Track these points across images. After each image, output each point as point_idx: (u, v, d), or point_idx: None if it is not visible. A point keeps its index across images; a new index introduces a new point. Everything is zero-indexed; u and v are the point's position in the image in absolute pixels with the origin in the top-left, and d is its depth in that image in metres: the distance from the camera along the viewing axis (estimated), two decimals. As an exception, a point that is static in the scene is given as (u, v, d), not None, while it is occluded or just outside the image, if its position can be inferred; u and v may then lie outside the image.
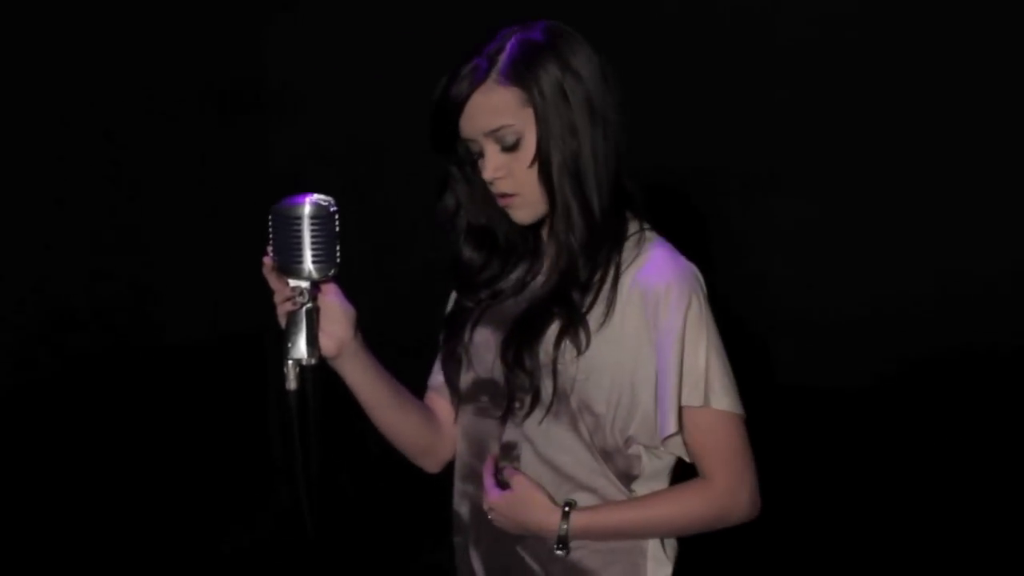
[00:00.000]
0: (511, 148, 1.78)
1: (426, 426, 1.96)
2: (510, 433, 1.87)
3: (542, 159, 1.77)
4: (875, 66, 5.73)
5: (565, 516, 1.78)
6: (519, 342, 1.82)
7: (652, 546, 1.84)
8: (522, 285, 1.91)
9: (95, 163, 6.22)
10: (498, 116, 1.76)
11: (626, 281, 1.78)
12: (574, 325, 1.78)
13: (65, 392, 5.82)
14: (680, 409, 1.77)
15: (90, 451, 5.10)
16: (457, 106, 1.78)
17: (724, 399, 1.78)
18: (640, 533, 1.81)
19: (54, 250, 6.08)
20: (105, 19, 6.24)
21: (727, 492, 1.79)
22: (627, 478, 1.83)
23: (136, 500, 4.64)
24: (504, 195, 1.82)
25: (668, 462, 1.86)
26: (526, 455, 1.85)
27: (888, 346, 5.71)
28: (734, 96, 5.94)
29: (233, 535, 4.27)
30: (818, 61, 5.83)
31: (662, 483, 1.86)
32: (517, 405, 1.83)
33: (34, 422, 5.52)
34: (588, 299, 1.79)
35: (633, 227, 1.85)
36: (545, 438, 1.83)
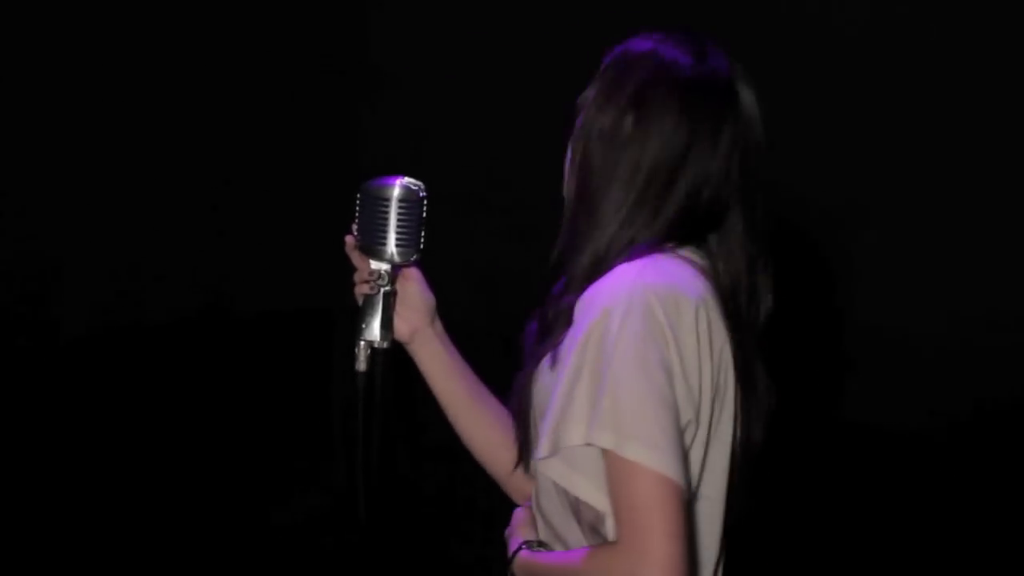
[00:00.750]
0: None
1: (502, 434, 1.78)
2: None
3: (575, 168, 1.63)
4: (954, 94, 5.66)
5: (518, 550, 1.64)
6: (517, 389, 1.67)
7: None
8: None
9: (186, 138, 6.31)
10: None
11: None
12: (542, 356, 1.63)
13: (137, 357, 5.91)
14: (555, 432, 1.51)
15: (157, 416, 5.17)
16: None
17: (628, 444, 1.43)
18: None
19: (143, 222, 6.18)
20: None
21: (623, 555, 1.43)
22: (595, 534, 1.56)
23: (196, 469, 4.68)
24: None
25: None
26: (533, 496, 1.70)
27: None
28: (818, 124, 5.89)
29: (288, 509, 4.29)
30: (899, 88, 5.77)
31: None
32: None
33: (110, 380, 5.60)
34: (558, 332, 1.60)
35: (663, 247, 1.59)
36: (538, 481, 1.67)
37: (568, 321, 1.57)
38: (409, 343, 1.82)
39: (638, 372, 1.45)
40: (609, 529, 1.53)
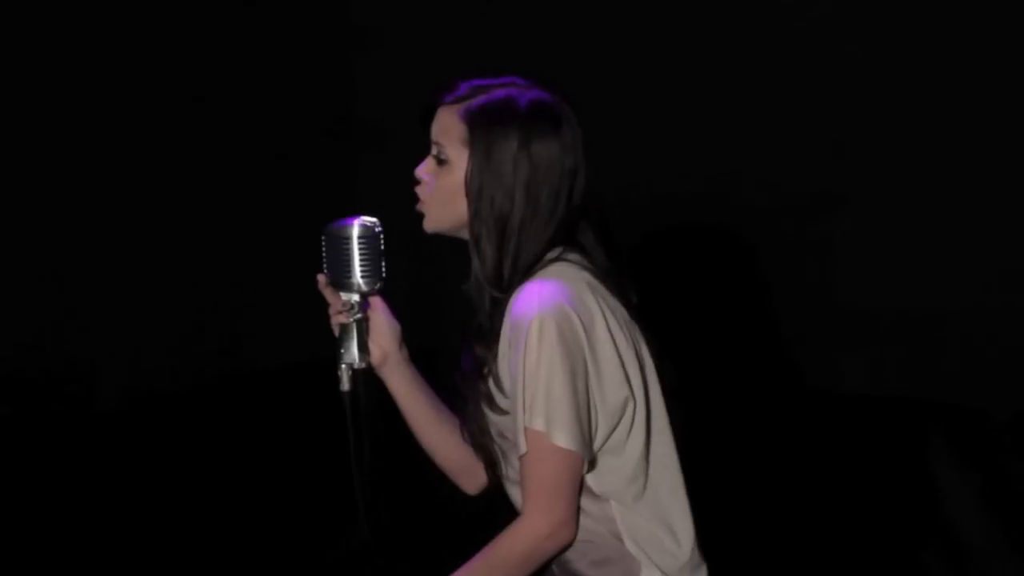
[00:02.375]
0: (440, 163, 1.97)
1: (464, 449, 2.08)
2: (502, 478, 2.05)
3: (472, 203, 1.92)
4: (935, 83, 5.80)
5: None
6: (465, 420, 2.02)
7: (638, 554, 1.91)
8: None
9: (187, 191, 6.48)
10: (442, 134, 1.96)
11: (506, 321, 1.88)
12: (484, 389, 1.94)
13: (168, 421, 6.05)
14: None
15: (193, 476, 5.29)
16: (433, 105, 2.00)
17: (544, 422, 1.82)
18: None
19: (142, 273, 6.34)
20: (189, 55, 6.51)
21: (528, 523, 1.85)
22: (593, 495, 1.91)
23: (237, 524, 4.79)
24: (418, 199, 2.01)
25: (620, 479, 1.90)
26: (514, 496, 2.02)
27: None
28: (798, 113, 6.05)
29: (338, 547, 4.42)
30: (879, 78, 5.91)
31: (629, 501, 1.91)
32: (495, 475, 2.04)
33: (142, 444, 5.76)
34: (494, 348, 1.92)
35: (550, 255, 1.92)
36: (514, 489, 2.00)
37: (493, 346, 1.92)
38: (381, 367, 2.08)
39: (560, 377, 1.82)
40: (594, 485, 1.89)
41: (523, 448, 1.84)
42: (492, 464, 2.02)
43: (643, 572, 1.91)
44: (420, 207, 2.01)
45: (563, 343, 1.82)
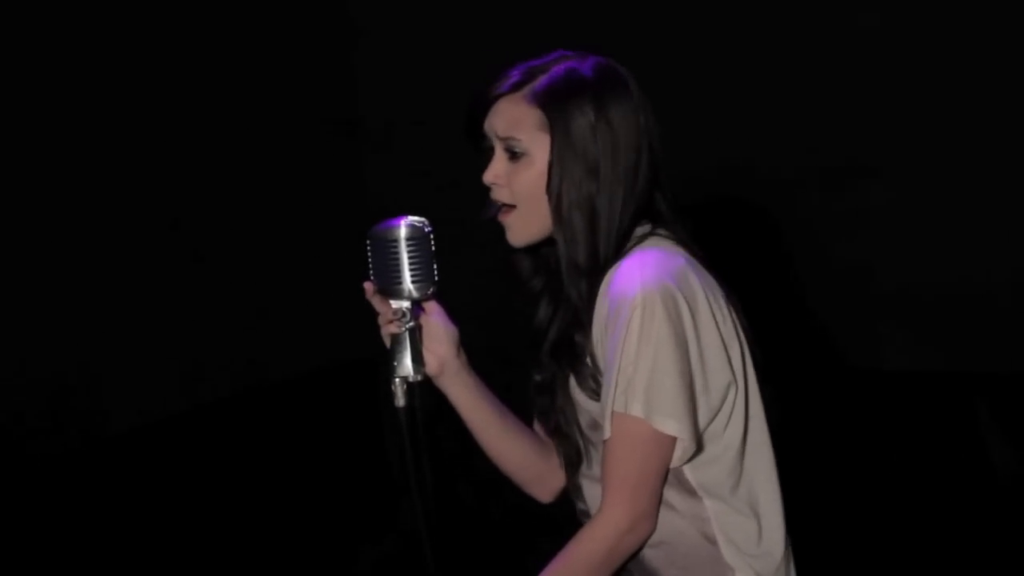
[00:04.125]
0: (516, 158, 1.80)
1: (535, 454, 1.95)
2: (578, 475, 1.91)
3: (553, 191, 1.77)
4: (958, 56, 5.68)
5: None
6: (549, 412, 1.88)
7: (731, 557, 1.78)
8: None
9: (196, 197, 6.37)
10: (513, 127, 1.80)
11: (603, 300, 1.75)
12: (582, 376, 1.80)
13: (194, 435, 5.98)
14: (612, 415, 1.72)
15: (224, 488, 5.23)
16: (485, 104, 1.83)
17: (643, 407, 1.68)
18: None
19: (157, 283, 6.23)
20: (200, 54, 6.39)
21: (608, 517, 1.72)
22: (686, 490, 1.78)
23: (266, 533, 4.74)
24: (503, 207, 1.84)
25: (719, 471, 1.77)
26: (591, 496, 1.88)
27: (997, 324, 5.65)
28: (827, 88, 5.92)
29: (363, 555, 4.35)
30: (901, 50, 5.80)
31: (726, 495, 1.78)
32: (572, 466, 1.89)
33: (168, 462, 5.67)
34: (589, 332, 1.78)
35: (640, 231, 1.80)
36: (594, 487, 1.86)
37: (588, 330, 1.77)
38: (439, 375, 1.90)
39: (666, 359, 1.68)
40: (691, 480, 1.76)
41: (608, 433, 1.71)
42: (573, 462, 1.88)
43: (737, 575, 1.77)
44: (507, 217, 1.84)
45: (669, 322, 1.68)
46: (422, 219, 1.84)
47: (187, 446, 5.86)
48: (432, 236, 1.84)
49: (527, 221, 1.82)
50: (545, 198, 1.79)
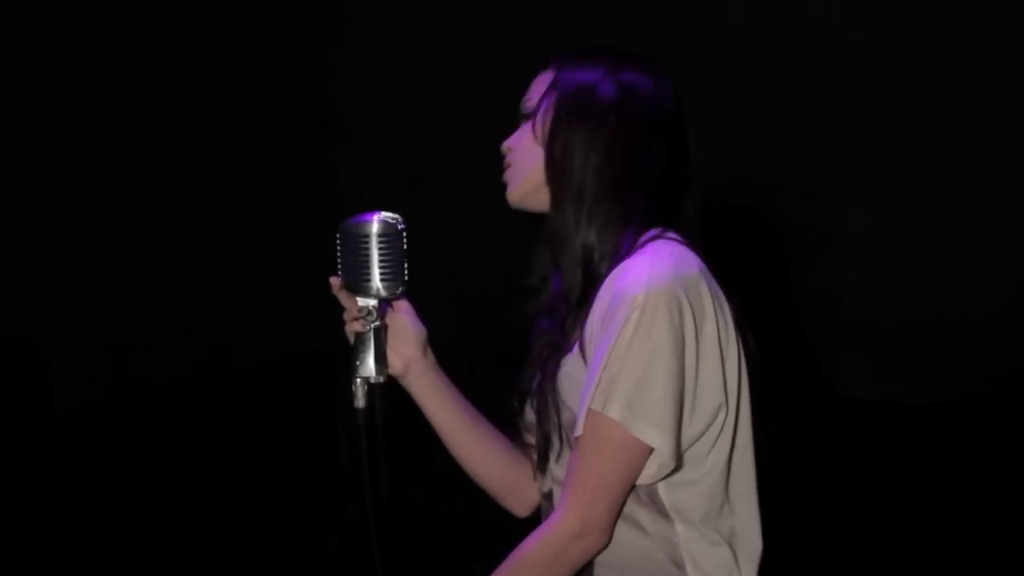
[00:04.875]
0: (525, 117, 1.75)
1: (509, 462, 1.86)
2: (547, 481, 1.79)
3: (549, 149, 1.70)
4: (932, 78, 5.68)
5: None
6: (539, 390, 1.75)
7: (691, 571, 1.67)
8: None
9: (163, 184, 6.30)
10: (531, 96, 1.75)
11: (608, 288, 1.65)
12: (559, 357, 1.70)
13: (145, 415, 5.92)
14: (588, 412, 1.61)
15: (170, 472, 5.17)
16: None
17: (621, 411, 1.56)
18: None
19: (123, 270, 6.16)
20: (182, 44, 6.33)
21: (558, 520, 1.61)
22: (659, 511, 1.67)
23: (215, 519, 4.68)
24: (506, 166, 1.79)
25: (696, 495, 1.66)
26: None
27: (963, 355, 5.64)
28: (803, 110, 5.90)
29: (310, 552, 4.29)
30: (880, 74, 5.79)
31: (698, 522, 1.66)
32: (549, 455, 1.77)
33: (120, 440, 5.60)
34: (580, 320, 1.69)
35: (651, 233, 1.69)
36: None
37: (582, 322, 1.67)
38: (403, 376, 1.83)
39: (659, 364, 1.57)
40: (665, 500, 1.64)
41: (580, 431, 1.59)
42: (543, 463, 1.75)
43: None
44: (506, 174, 1.78)
45: (670, 327, 1.57)
46: (396, 216, 1.76)
47: (144, 424, 5.80)
48: (405, 234, 1.76)
49: (519, 174, 1.75)
50: (533, 154, 1.72)
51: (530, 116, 1.74)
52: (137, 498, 4.85)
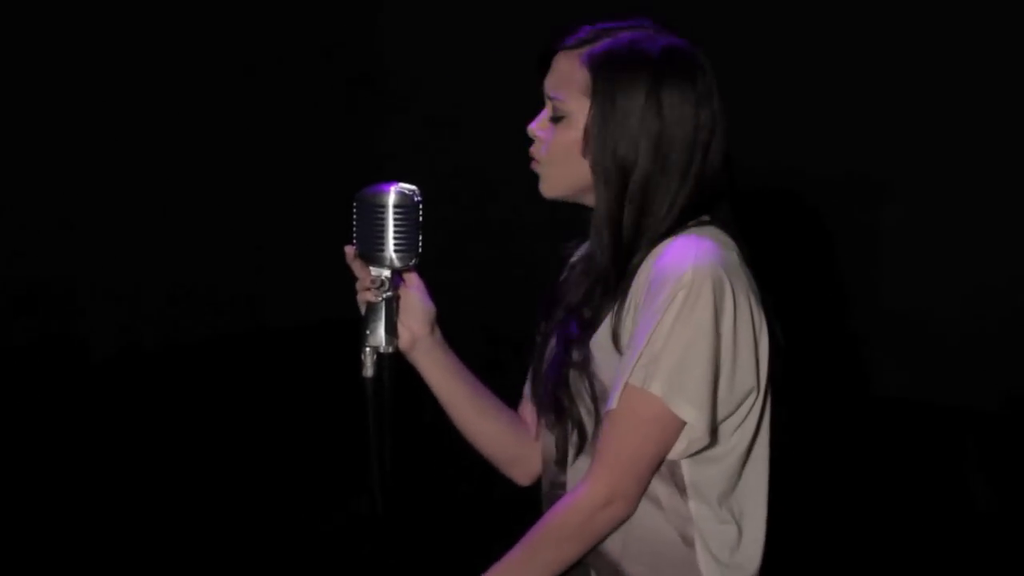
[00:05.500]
0: (557, 120, 1.74)
1: (512, 434, 1.90)
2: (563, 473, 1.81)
3: (590, 152, 1.71)
4: (985, 77, 5.61)
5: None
6: (552, 381, 1.78)
7: (704, 564, 1.71)
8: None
9: (203, 145, 6.36)
10: (559, 85, 1.74)
11: (645, 270, 1.68)
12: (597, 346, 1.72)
13: (175, 373, 5.98)
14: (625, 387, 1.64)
15: (196, 431, 5.23)
16: (549, 53, 1.76)
17: (663, 387, 1.60)
18: (529, 570, 1.68)
19: (169, 230, 6.22)
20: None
21: (587, 489, 1.64)
22: (676, 486, 1.71)
23: (238, 481, 4.73)
24: (532, 159, 1.79)
25: (716, 472, 1.70)
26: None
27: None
28: (855, 105, 5.85)
29: (333, 516, 4.33)
30: (933, 69, 5.73)
31: (714, 500, 1.70)
32: (571, 450, 1.78)
33: (145, 397, 5.67)
34: (615, 305, 1.71)
35: (692, 221, 1.72)
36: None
37: (612, 304, 1.70)
38: (410, 351, 1.85)
39: (702, 342, 1.61)
40: (685, 476, 1.69)
41: (614, 404, 1.63)
42: (561, 448, 1.77)
43: None
44: (535, 167, 1.78)
45: (712, 308, 1.61)
46: (413, 187, 1.78)
47: (167, 381, 5.86)
48: (421, 207, 1.78)
49: (552, 180, 1.76)
50: (573, 163, 1.73)
51: (558, 104, 1.73)
52: (160, 454, 4.91)
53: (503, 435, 1.90)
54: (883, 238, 5.83)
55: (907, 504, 4.70)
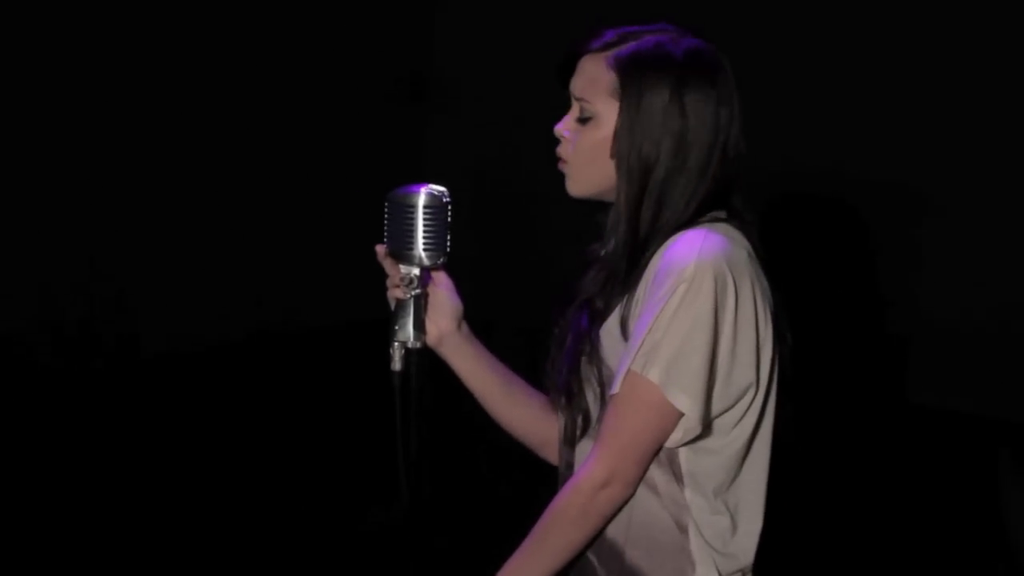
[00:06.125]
0: (584, 121, 1.80)
1: (543, 419, 1.97)
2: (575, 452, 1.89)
3: (617, 153, 1.77)
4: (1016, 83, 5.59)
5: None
6: (566, 368, 1.86)
7: (697, 550, 1.77)
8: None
9: (252, 146, 6.43)
10: (588, 89, 1.80)
11: (655, 261, 1.74)
12: (608, 334, 1.78)
13: (214, 373, 6.04)
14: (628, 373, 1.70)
15: (234, 431, 5.27)
16: (573, 56, 1.83)
17: (660, 375, 1.67)
18: (540, 556, 1.74)
19: (205, 232, 6.28)
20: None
21: (587, 471, 1.71)
22: (673, 474, 1.77)
23: (276, 481, 4.77)
24: (560, 159, 1.85)
25: (714, 464, 1.76)
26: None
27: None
28: (899, 112, 5.85)
29: (371, 516, 4.37)
30: (978, 80, 5.71)
31: (710, 491, 1.77)
32: (577, 432, 1.88)
33: (187, 396, 5.73)
34: (626, 295, 1.78)
35: (706, 217, 1.78)
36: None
37: (624, 294, 1.76)
38: (438, 346, 1.93)
39: (700, 334, 1.67)
40: (683, 465, 1.75)
41: (616, 389, 1.70)
42: (571, 429, 1.87)
43: (698, 571, 1.77)
44: (562, 167, 1.85)
45: (712, 302, 1.67)
46: (442, 188, 1.85)
47: (219, 379, 5.93)
48: (450, 207, 1.85)
49: (579, 179, 1.83)
50: (599, 162, 1.79)
51: (585, 105, 1.79)
52: (192, 453, 4.95)
53: (535, 420, 1.98)
54: (925, 247, 5.83)
55: (931, 511, 4.70)
